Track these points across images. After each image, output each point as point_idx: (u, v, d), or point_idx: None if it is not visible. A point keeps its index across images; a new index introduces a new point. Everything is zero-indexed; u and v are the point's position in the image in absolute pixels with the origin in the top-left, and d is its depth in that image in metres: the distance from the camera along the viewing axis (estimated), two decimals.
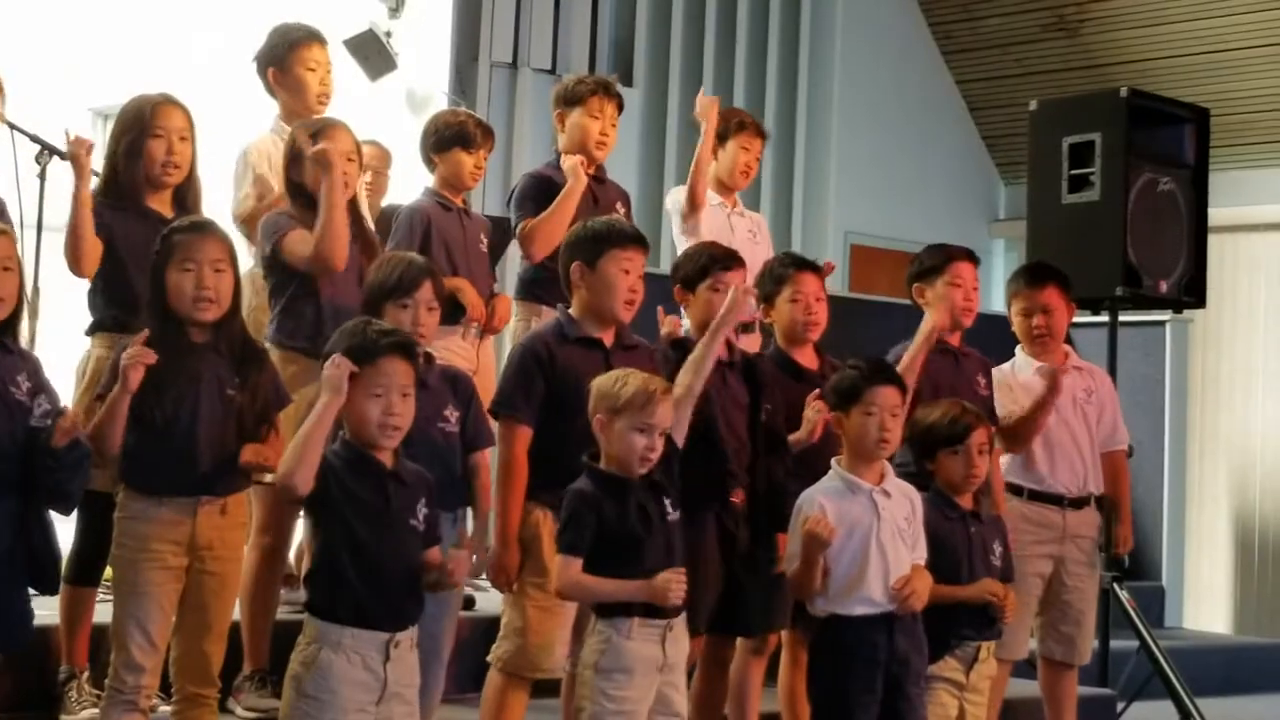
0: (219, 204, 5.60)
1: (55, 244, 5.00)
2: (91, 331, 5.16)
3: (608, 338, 4.97)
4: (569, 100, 6.25)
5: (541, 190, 6.11)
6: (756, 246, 6.39)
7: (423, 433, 4.52)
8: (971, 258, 6.04)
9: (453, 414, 4.79)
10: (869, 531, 4.93)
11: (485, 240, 6.09)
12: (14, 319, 4.32)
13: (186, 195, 5.26)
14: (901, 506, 5.01)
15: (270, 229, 5.29)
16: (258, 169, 5.84)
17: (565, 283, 5.03)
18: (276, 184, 5.65)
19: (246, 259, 5.54)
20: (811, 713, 5.04)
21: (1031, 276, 6.31)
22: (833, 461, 5.05)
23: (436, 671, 4.73)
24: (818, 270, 5.63)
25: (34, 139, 5.78)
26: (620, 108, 6.34)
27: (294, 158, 5.33)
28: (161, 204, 5.20)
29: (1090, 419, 6.20)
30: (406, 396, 4.16)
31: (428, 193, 6.06)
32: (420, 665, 4.30)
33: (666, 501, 4.49)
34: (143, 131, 5.13)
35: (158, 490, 4.38)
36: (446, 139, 6.02)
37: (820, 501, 4.93)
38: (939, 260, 5.99)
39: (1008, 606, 5.23)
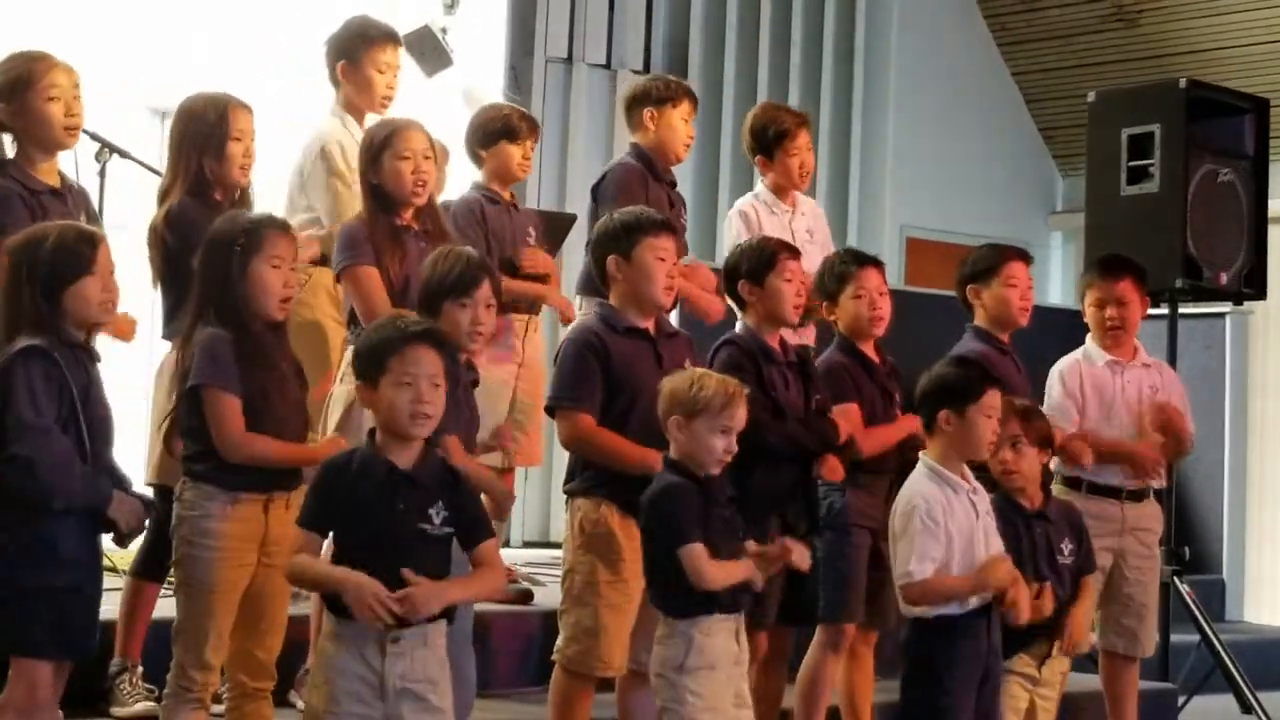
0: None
1: (115, 241, 5.02)
2: (176, 334, 5.16)
3: (650, 327, 4.99)
4: (662, 99, 6.25)
5: (642, 189, 6.08)
6: (812, 246, 6.30)
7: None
8: (1024, 257, 6.02)
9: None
10: (972, 531, 4.96)
11: (534, 234, 6.11)
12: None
13: (248, 194, 5.32)
14: (983, 503, 5.06)
15: (345, 246, 5.25)
16: (337, 165, 5.85)
17: (601, 277, 5.04)
18: (352, 177, 5.67)
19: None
20: (907, 709, 5.04)
21: (1106, 268, 6.28)
22: (922, 455, 5.06)
23: (466, 664, 4.70)
24: (879, 265, 5.63)
25: (94, 137, 5.85)
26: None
27: (372, 159, 5.30)
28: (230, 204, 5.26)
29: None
30: (438, 386, 4.10)
31: (476, 187, 6.10)
32: (455, 652, 4.32)
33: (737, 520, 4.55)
34: (225, 134, 5.18)
35: (238, 487, 4.38)
36: (493, 133, 6.11)
37: (939, 499, 4.95)
38: (993, 261, 5.97)
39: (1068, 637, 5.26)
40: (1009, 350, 5.95)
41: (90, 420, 4.19)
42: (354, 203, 5.57)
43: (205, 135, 5.19)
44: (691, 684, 4.41)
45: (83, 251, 4.23)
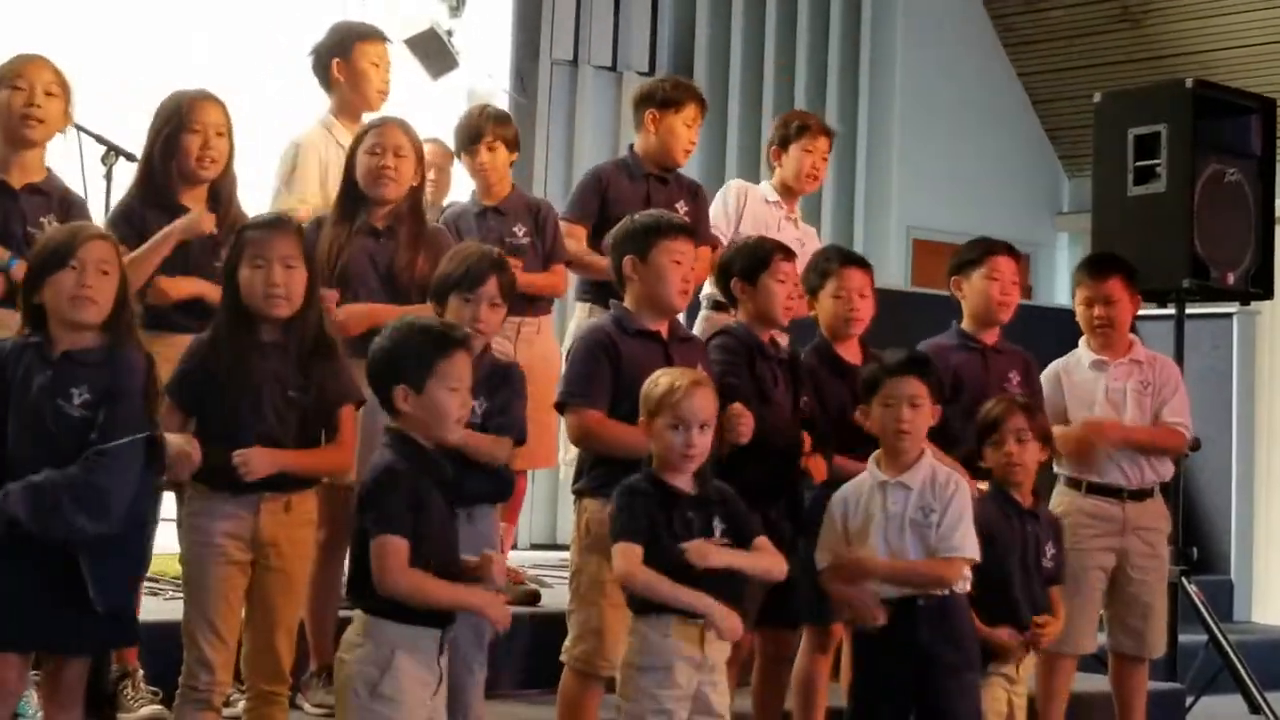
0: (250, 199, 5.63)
1: None
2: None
3: (663, 330, 4.99)
4: (666, 103, 6.27)
5: (595, 193, 6.18)
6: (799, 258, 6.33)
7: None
8: (1011, 252, 6.03)
9: (481, 406, 4.76)
10: (879, 526, 4.93)
11: (521, 230, 6.10)
12: (113, 323, 4.25)
13: (221, 192, 5.27)
14: (923, 498, 4.95)
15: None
16: (306, 167, 5.88)
17: (617, 278, 5.05)
18: (332, 179, 5.71)
19: None
20: (850, 702, 5.05)
21: (1094, 267, 6.28)
22: (872, 455, 5.05)
23: (481, 659, 4.73)
24: (864, 265, 5.62)
25: (100, 140, 5.85)
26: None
27: (351, 152, 5.40)
28: (195, 201, 5.22)
29: (1147, 410, 6.15)
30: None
31: (472, 197, 6.19)
32: (467, 651, 4.42)
33: (715, 522, 4.45)
34: (179, 126, 5.16)
35: (217, 487, 4.40)
36: (462, 140, 6.16)
37: (848, 495, 4.97)
38: (977, 253, 5.99)
39: (1034, 638, 5.26)
40: (980, 347, 5.91)
41: (13, 417, 4.10)
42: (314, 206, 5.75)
43: (158, 130, 5.19)
44: (645, 683, 4.38)
45: (62, 246, 4.20)
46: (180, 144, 5.16)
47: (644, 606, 4.41)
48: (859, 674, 4.99)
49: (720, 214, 6.49)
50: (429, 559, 4.00)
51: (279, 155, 6.04)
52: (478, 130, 6.15)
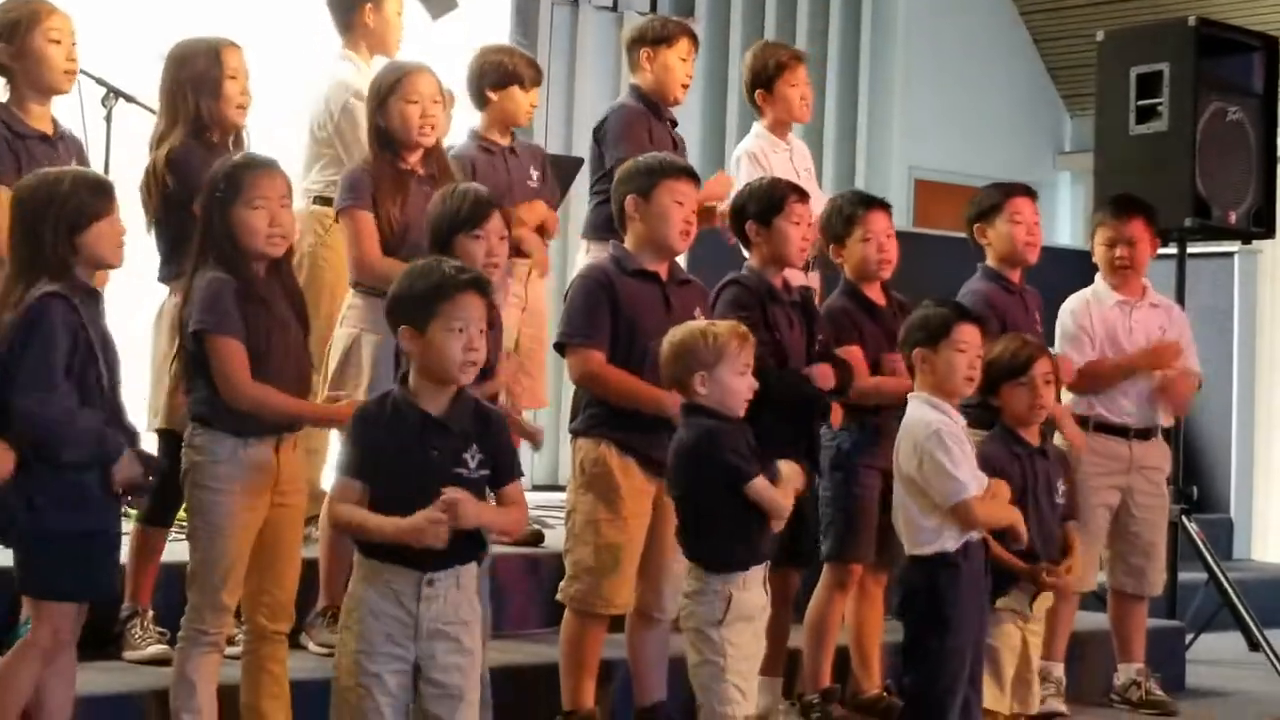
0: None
1: (122, 186, 4.97)
2: (173, 278, 5.09)
3: (662, 271, 4.99)
4: (658, 39, 6.25)
5: (645, 130, 6.12)
6: (810, 183, 6.35)
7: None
8: (1029, 193, 6.03)
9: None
10: (974, 461, 4.97)
11: (536, 174, 6.09)
12: None
13: (243, 135, 5.27)
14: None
15: (347, 188, 5.21)
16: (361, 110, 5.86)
17: (619, 217, 5.05)
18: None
19: None
20: (915, 650, 5.01)
21: (1117, 208, 6.30)
22: (914, 395, 5.04)
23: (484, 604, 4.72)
24: (887, 207, 5.63)
25: (100, 82, 5.84)
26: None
27: (380, 103, 5.26)
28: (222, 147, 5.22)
29: None
30: (483, 332, 4.09)
31: (472, 136, 6.07)
32: None
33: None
34: (220, 75, 5.14)
35: (248, 431, 4.36)
36: (504, 76, 6.06)
37: (950, 424, 4.95)
38: (998, 198, 5.99)
39: (1060, 581, 5.26)
40: (1017, 289, 5.96)
41: (109, 364, 4.18)
42: None
43: (200, 77, 5.13)
44: (731, 636, 4.46)
45: (103, 193, 4.22)
46: (223, 91, 5.14)
47: (725, 565, 4.47)
48: (935, 611, 4.90)
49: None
50: (401, 511, 3.94)
51: (326, 98, 6.01)
52: (527, 75, 6.11)
